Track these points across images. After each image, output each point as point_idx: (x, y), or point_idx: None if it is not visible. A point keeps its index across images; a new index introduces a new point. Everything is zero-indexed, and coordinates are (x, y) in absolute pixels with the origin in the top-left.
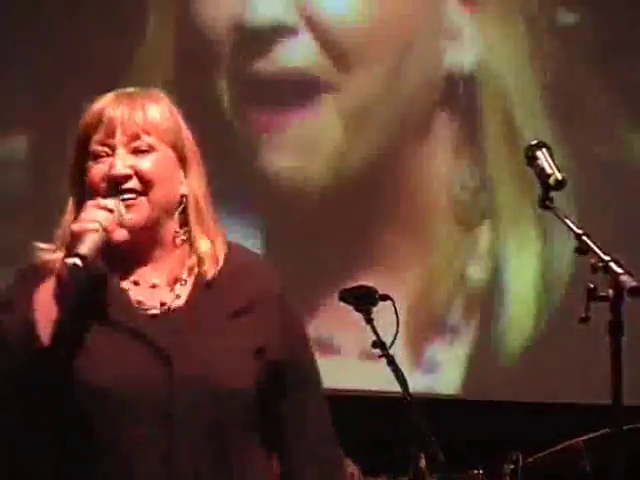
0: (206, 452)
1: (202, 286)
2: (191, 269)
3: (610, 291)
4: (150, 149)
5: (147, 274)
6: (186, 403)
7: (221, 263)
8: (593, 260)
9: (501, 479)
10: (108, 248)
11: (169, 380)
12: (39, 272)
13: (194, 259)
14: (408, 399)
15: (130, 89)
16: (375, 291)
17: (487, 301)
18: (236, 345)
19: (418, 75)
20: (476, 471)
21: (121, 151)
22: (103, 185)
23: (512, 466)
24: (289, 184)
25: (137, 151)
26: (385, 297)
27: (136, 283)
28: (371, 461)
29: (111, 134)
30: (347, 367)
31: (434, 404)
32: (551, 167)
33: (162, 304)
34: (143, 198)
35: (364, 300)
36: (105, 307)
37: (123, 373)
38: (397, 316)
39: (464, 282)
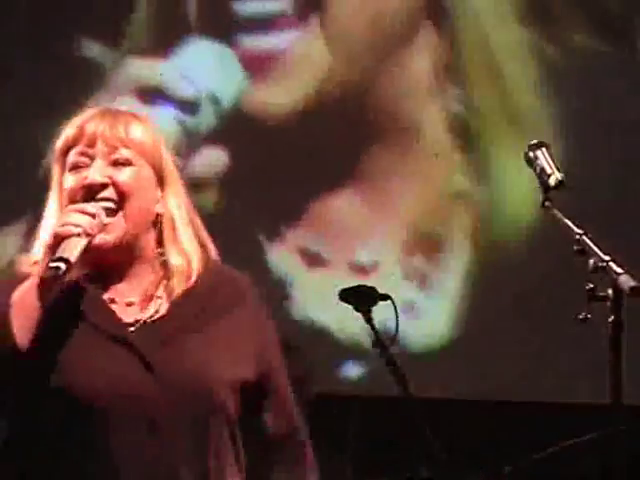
0: (191, 459)
1: (178, 301)
2: (166, 287)
3: (610, 291)
4: (128, 162)
5: (123, 291)
6: (171, 411)
7: (193, 280)
8: (593, 260)
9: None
10: (89, 260)
11: (153, 389)
12: (20, 283)
13: (167, 276)
14: (408, 399)
15: (114, 107)
16: (375, 291)
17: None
18: (217, 357)
19: None
20: (477, 471)
21: (99, 161)
22: (80, 193)
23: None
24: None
25: (116, 163)
26: (385, 297)
27: (112, 301)
28: (371, 462)
29: (91, 144)
30: (336, 281)
31: (434, 404)
32: (551, 167)
33: (136, 321)
34: (120, 213)
35: (364, 300)
36: (85, 316)
37: (106, 382)
38: (396, 315)
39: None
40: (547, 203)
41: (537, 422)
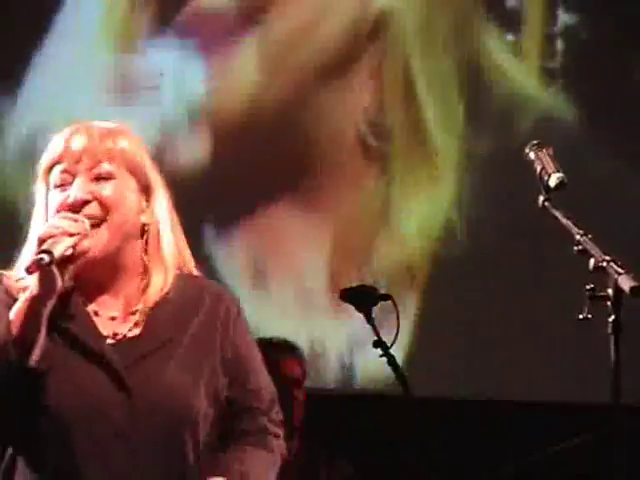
0: (168, 473)
1: (155, 313)
2: (145, 300)
3: (610, 291)
4: (111, 176)
5: (107, 304)
6: (146, 431)
7: (166, 289)
8: (593, 260)
9: (502, 478)
10: (76, 271)
11: (128, 408)
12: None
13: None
14: (409, 398)
15: (96, 122)
16: (375, 291)
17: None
18: (193, 372)
19: (340, 16)
20: (478, 470)
21: (81, 178)
22: (64, 212)
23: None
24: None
25: (98, 178)
26: (385, 297)
27: (96, 313)
28: (372, 461)
29: (76, 160)
30: (282, 307)
31: (434, 404)
32: (551, 167)
33: (115, 334)
34: (103, 225)
35: (364, 300)
36: (68, 325)
37: (81, 396)
38: (397, 315)
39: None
40: (547, 203)
41: (537, 422)
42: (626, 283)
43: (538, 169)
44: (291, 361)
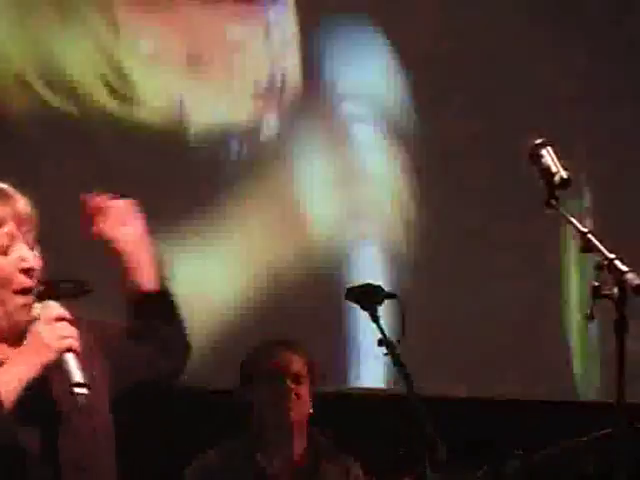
0: None
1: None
2: None
3: (615, 289)
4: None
5: (7, 351)
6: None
7: None
8: (598, 258)
9: (503, 478)
10: None
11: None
12: None
13: None
14: (413, 398)
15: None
16: (381, 289)
17: None
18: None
19: None
20: (479, 470)
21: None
22: (19, 276)
23: (514, 464)
24: None
25: (30, 244)
26: (391, 295)
27: (2, 363)
28: (375, 460)
29: (22, 224)
30: None
31: (436, 403)
32: (556, 166)
33: None
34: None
35: (369, 298)
36: None
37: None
38: (402, 314)
39: None
40: (552, 202)
41: (537, 422)
42: (631, 281)
43: (542, 168)
44: (290, 356)
